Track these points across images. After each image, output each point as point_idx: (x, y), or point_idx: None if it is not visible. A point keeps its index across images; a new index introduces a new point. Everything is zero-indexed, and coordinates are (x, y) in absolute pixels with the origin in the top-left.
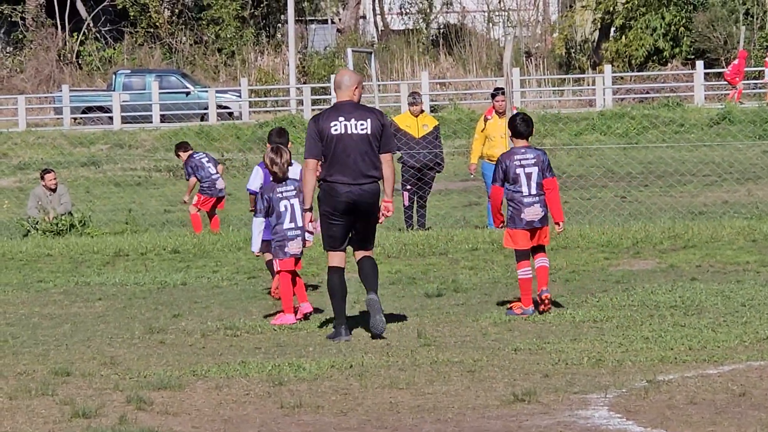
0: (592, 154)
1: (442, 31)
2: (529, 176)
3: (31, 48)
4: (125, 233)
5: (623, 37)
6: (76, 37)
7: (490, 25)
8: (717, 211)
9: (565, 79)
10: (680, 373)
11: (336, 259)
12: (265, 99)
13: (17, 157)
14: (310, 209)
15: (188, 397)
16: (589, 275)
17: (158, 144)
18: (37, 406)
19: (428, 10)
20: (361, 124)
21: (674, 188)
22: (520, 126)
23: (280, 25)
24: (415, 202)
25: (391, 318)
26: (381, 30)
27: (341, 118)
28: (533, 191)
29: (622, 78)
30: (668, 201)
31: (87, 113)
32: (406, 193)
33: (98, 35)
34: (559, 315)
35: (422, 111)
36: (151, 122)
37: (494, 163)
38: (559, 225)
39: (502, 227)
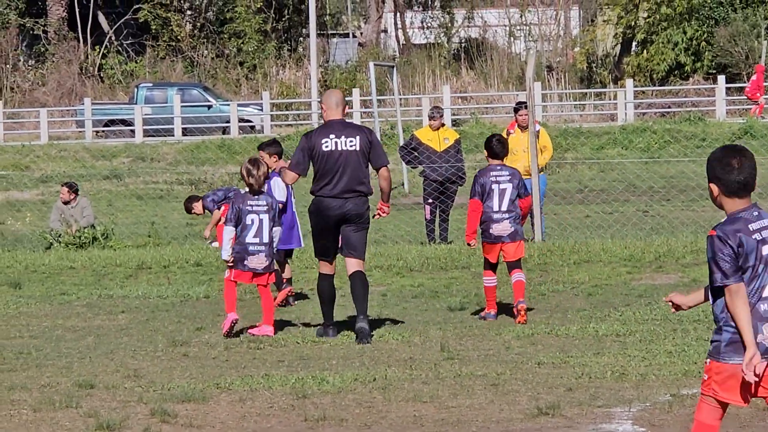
0: (614, 168)
1: (463, 45)
2: (502, 192)
3: (53, 61)
4: (148, 246)
5: (645, 51)
6: (98, 50)
7: (512, 39)
8: None
9: (586, 93)
10: None
11: (326, 267)
12: (286, 112)
13: (39, 170)
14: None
15: (212, 410)
16: (612, 289)
17: (180, 157)
18: (62, 418)
19: (449, 25)
20: (351, 141)
21: (696, 202)
22: (496, 147)
23: (301, 38)
24: (437, 216)
25: (414, 331)
26: (402, 44)
27: (332, 136)
28: (504, 207)
29: (643, 92)
30: (690, 215)
31: (109, 126)
32: (428, 207)
33: (120, 48)
34: (582, 329)
35: (443, 125)
36: (173, 135)
37: None
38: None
39: (472, 245)
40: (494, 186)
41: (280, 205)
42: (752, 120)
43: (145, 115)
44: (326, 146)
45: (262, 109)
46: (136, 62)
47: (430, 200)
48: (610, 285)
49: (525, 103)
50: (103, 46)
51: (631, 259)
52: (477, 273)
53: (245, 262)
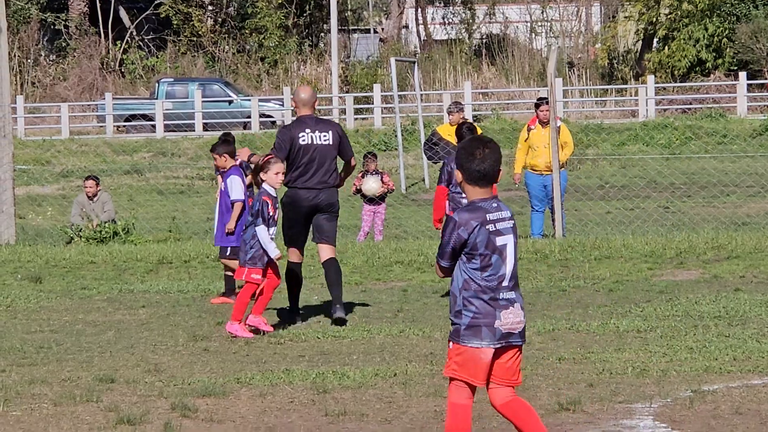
0: (635, 165)
1: (484, 41)
2: None
3: (74, 56)
4: (168, 241)
5: (666, 47)
6: (119, 45)
7: (533, 35)
8: (760, 221)
9: (607, 89)
10: (725, 384)
11: (294, 256)
12: None
13: (60, 164)
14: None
15: (232, 405)
16: (633, 285)
17: (201, 152)
18: (82, 412)
19: (471, 20)
20: (324, 136)
21: (717, 199)
22: (466, 134)
23: (323, 34)
24: None
25: (435, 327)
26: (423, 40)
27: (307, 130)
28: None
29: (664, 89)
30: (711, 211)
31: (130, 121)
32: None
33: (141, 44)
34: (603, 325)
35: (464, 119)
36: (194, 130)
37: (538, 173)
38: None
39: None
40: None
41: (240, 204)
42: None
43: (166, 110)
44: (303, 140)
45: (283, 105)
46: (157, 57)
47: None
48: (631, 281)
49: (546, 98)
50: (125, 41)
51: (652, 255)
52: None
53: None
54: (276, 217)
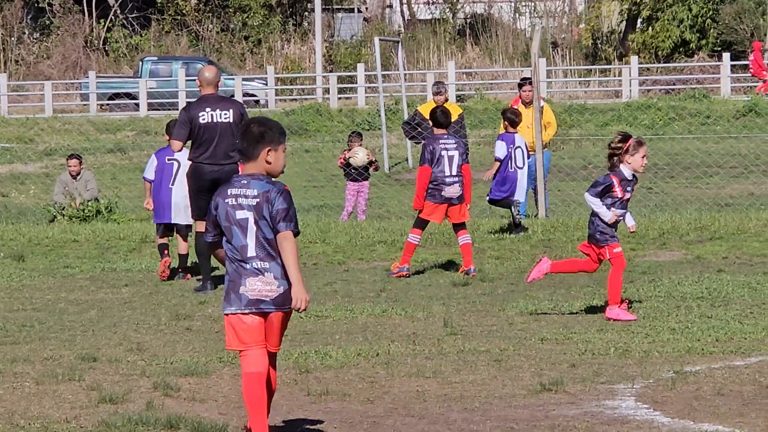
0: None
1: (468, 20)
2: (451, 159)
3: (58, 34)
4: (151, 220)
5: (650, 28)
6: (103, 23)
7: (517, 15)
8: (743, 203)
9: (591, 69)
10: (707, 365)
11: (202, 226)
12: (291, 87)
13: (43, 143)
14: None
15: (215, 384)
16: None
17: None
18: (64, 391)
19: (455, 0)
20: (225, 114)
21: (700, 180)
22: (440, 117)
23: (307, 13)
24: None
25: (417, 307)
26: (407, 19)
27: (208, 109)
28: (454, 172)
29: (648, 69)
30: (694, 192)
31: (114, 100)
32: None
33: (125, 22)
34: (586, 305)
35: (446, 100)
36: (178, 109)
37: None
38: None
39: (421, 209)
40: (444, 153)
41: (148, 184)
42: (757, 97)
43: (150, 88)
44: (203, 118)
45: (266, 84)
46: (141, 36)
47: None
48: None
49: (529, 79)
50: (108, 19)
51: (635, 236)
52: (480, 249)
53: None
54: None
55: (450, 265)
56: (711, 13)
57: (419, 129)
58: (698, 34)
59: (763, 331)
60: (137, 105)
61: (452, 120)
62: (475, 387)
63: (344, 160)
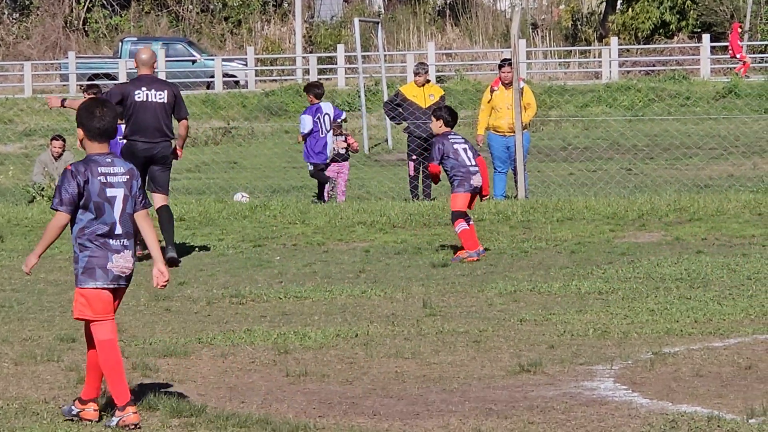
0: (598, 126)
1: (448, 1)
2: (466, 151)
3: (37, 14)
4: None
5: (630, 9)
6: (83, 3)
7: None
8: (723, 184)
9: (571, 51)
10: (686, 346)
11: None
12: (271, 68)
13: (23, 123)
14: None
15: (194, 365)
16: (595, 247)
17: None
18: (43, 372)
19: None
20: (160, 94)
21: (680, 161)
22: (450, 117)
23: None
24: (421, 172)
25: (397, 288)
26: (387, 0)
27: (144, 88)
28: (474, 162)
29: (628, 51)
30: (674, 174)
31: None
32: (411, 163)
33: (105, 2)
34: (565, 286)
35: (428, 81)
36: None
37: (501, 134)
38: (486, 197)
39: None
40: (457, 147)
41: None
42: (736, 79)
43: (130, 69)
44: (138, 97)
45: (246, 65)
46: (121, 16)
47: (414, 157)
48: (593, 243)
49: (509, 60)
50: None
51: (614, 217)
52: None
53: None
54: None
55: (429, 246)
56: None
57: (400, 110)
58: (678, 16)
59: (742, 312)
60: None
61: (434, 101)
62: (454, 368)
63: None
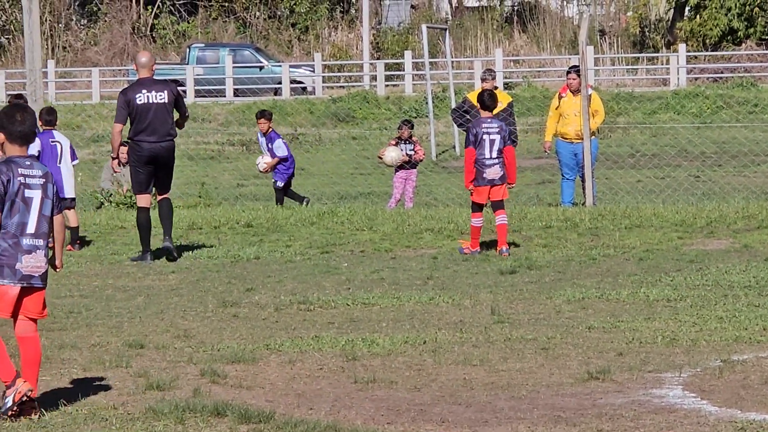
0: (666, 133)
1: (516, 8)
2: (492, 142)
3: (105, 21)
4: (198, 207)
5: (698, 16)
6: (150, 10)
7: (564, 2)
8: None
9: (639, 57)
10: (755, 353)
11: (143, 200)
12: (338, 74)
13: (91, 129)
14: (117, 157)
15: (262, 371)
16: (663, 254)
17: (231, 118)
18: (111, 377)
19: None
20: (160, 95)
21: (748, 168)
22: (487, 101)
23: (354, 0)
24: None
25: (465, 294)
26: (455, 6)
27: (144, 91)
28: (494, 155)
29: (696, 57)
30: (742, 181)
31: None
32: None
33: (172, 9)
34: (633, 294)
35: (495, 87)
36: (224, 96)
37: (569, 141)
38: (511, 185)
39: (471, 190)
40: (485, 136)
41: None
42: None
43: (197, 75)
44: (140, 100)
45: (313, 71)
46: (189, 23)
47: None
48: (661, 250)
49: (577, 66)
50: (156, 6)
51: (682, 225)
52: (527, 237)
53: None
54: None
55: (497, 253)
56: (759, 1)
57: (468, 116)
58: (746, 23)
59: None
60: (184, 92)
61: (501, 107)
62: (522, 375)
63: (381, 156)
